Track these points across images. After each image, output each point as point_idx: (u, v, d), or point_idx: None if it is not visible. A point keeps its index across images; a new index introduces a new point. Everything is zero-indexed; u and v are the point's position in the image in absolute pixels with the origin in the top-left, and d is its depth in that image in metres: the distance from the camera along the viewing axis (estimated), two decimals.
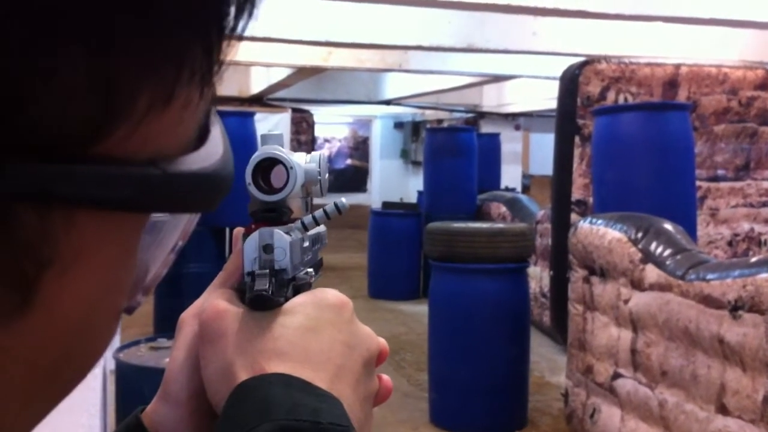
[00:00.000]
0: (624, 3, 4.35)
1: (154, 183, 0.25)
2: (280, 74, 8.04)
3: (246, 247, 0.53)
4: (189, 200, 0.28)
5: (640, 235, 3.35)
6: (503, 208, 7.92)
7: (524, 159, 12.91)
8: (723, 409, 2.80)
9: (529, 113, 10.89)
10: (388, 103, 10.89)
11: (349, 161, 17.11)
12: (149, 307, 6.09)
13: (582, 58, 5.35)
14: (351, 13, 5.29)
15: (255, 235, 0.53)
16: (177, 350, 0.53)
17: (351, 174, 16.90)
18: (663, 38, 5.48)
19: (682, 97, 5.34)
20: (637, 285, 3.29)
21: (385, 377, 0.56)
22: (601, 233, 3.55)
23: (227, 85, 9.25)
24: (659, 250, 3.24)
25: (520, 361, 4.47)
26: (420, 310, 6.82)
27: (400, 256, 8.11)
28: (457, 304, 4.42)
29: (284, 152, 0.54)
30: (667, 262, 3.16)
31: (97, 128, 0.23)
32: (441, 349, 4.54)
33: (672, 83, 5.35)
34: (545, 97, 8.43)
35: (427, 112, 13.06)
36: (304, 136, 11.75)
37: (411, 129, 15.75)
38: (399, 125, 16.19)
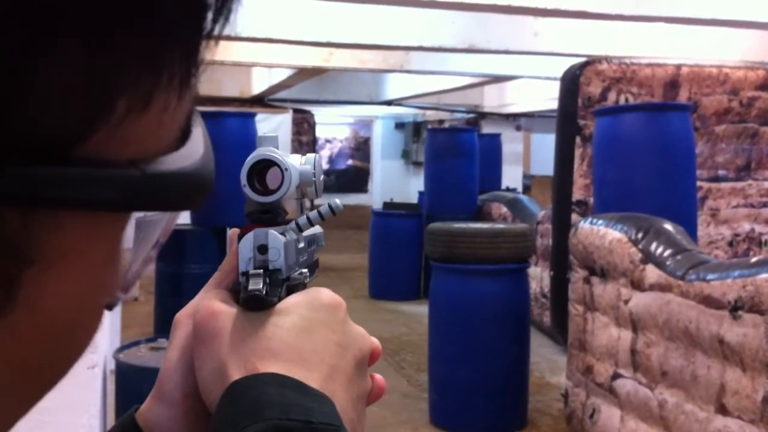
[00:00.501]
0: (625, 3, 4.35)
1: (134, 183, 0.26)
2: (282, 75, 8.05)
3: (241, 247, 0.54)
4: (169, 199, 0.28)
5: (640, 235, 3.35)
6: (504, 209, 7.93)
7: (525, 159, 12.92)
8: (723, 410, 2.80)
9: (530, 114, 10.90)
10: (389, 103, 10.90)
11: (350, 162, 17.13)
12: (150, 308, 6.10)
13: (583, 59, 5.36)
14: (352, 14, 5.29)
15: (250, 236, 0.54)
16: (172, 350, 0.54)
17: (352, 174, 16.92)
18: (664, 39, 5.49)
19: (683, 97, 5.34)
20: (638, 285, 3.29)
21: (378, 377, 0.56)
22: (601, 233, 3.56)
23: (229, 86, 9.26)
24: (659, 250, 3.25)
25: (520, 362, 4.47)
26: (420, 310, 6.82)
27: (400, 256, 8.12)
28: (458, 305, 4.42)
29: (279, 154, 0.55)
30: (668, 263, 3.16)
31: (77, 132, 0.24)
32: (441, 350, 4.54)
33: (673, 84, 5.35)
34: (546, 98, 8.44)
35: (428, 112, 13.07)
36: (305, 136, 11.75)
37: (412, 129, 15.77)
38: (400, 126, 16.21)
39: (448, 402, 4.48)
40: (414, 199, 9.62)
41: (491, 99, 10.80)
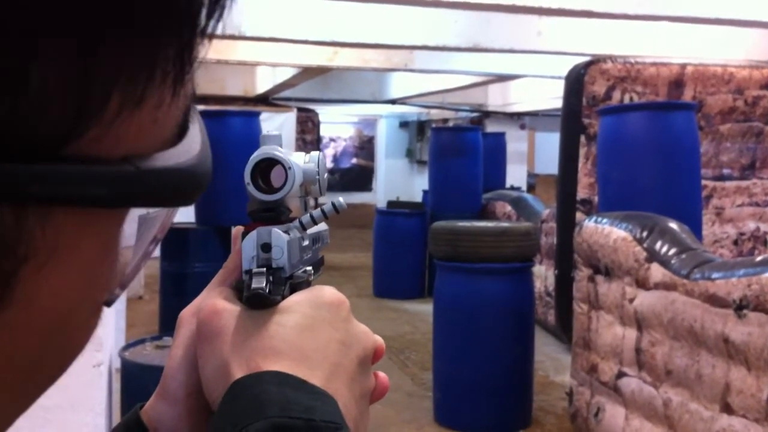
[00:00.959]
0: (629, 2, 4.35)
1: (128, 179, 0.26)
2: (286, 74, 8.06)
3: (244, 245, 0.54)
4: (164, 195, 0.28)
5: (645, 234, 3.35)
6: (508, 208, 7.92)
7: (529, 158, 12.91)
8: (727, 408, 2.80)
9: (535, 113, 10.89)
10: (393, 102, 10.90)
11: (354, 160, 17.13)
12: (154, 306, 6.11)
13: (587, 58, 5.35)
14: (356, 13, 5.29)
15: (253, 234, 0.54)
16: (176, 348, 0.54)
17: (356, 173, 16.91)
18: (668, 38, 5.48)
19: (687, 96, 5.33)
20: (642, 284, 3.29)
21: (382, 375, 0.56)
22: (606, 232, 3.55)
23: (233, 85, 9.28)
24: (664, 249, 3.24)
25: (524, 360, 4.47)
26: (425, 309, 6.82)
27: (405, 255, 8.12)
28: (462, 303, 4.42)
29: (283, 152, 0.55)
30: (672, 261, 3.16)
31: (68, 129, 0.24)
32: (445, 349, 4.54)
33: (677, 83, 5.35)
34: (550, 97, 8.44)
35: (433, 111, 13.07)
36: (309, 135, 11.77)
37: (416, 128, 15.76)
38: (404, 125, 16.20)
39: (452, 400, 4.48)
40: (418, 197, 9.61)
41: (495, 98, 10.79)
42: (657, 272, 3.20)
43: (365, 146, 17.13)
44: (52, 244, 0.25)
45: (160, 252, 5.72)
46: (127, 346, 3.36)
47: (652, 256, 3.26)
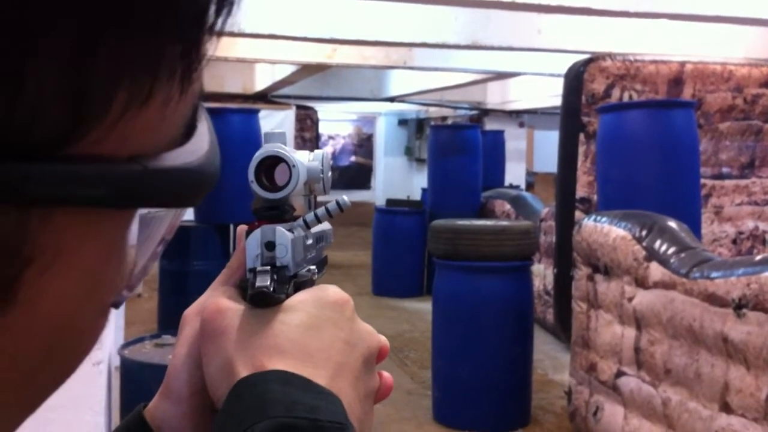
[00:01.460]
0: (629, 0, 4.34)
1: (134, 179, 0.25)
2: (285, 71, 8.05)
3: (248, 244, 0.54)
4: (172, 195, 0.27)
5: (644, 233, 3.35)
6: (507, 206, 7.92)
7: (528, 156, 12.90)
8: (726, 408, 2.80)
9: (534, 110, 10.88)
10: (392, 100, 10.89)
11: (353, 158, 17.12)
12: (153, 304, 6.11)
13: (587, 56, 5.35)
14: (355, 10, 5.29)
15: (257, 233, 0.54)
16: (179, 347, 0.54)
17: (355, 171, 16.91)
18: (668, 35, 5.47)
19: (687, 94, 5.33)
20: (641, 283, 3.29)
21: (386, 374, 0.56)
22: (605, 231, 3.55)
23: (232, 82, 9.26)
24: (663, 248, 3.24)
25: (523, 359, 4.47)
26: (424, 307, 6.82)
27: (404, 253, 8.12)
28: (461, 302, 4.42)
29: (287, 150, 0.54)
30: (672, 260, 3.16)
31: (72, 129, 0.23)
32: (445, 347, 4.54)
33: (677, 81, 5.34)
34: (550, 95, 8.43)
35: (432, 109, 13.05)
36: (308, 133, 11.76)
37: (415, 126, 15.75)
38: (403, 122, 16.19)
39: (451, 399, 4.48)
40: (417, 196, 9.61)
41: (494, 96, 10.78)
42: (656, 271, 3.20)
43: (364, 144, 17.12)
44: (56, 246, 0.25)
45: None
46: (127, 344, 3.36)
47: (652, 255, 3.26)
